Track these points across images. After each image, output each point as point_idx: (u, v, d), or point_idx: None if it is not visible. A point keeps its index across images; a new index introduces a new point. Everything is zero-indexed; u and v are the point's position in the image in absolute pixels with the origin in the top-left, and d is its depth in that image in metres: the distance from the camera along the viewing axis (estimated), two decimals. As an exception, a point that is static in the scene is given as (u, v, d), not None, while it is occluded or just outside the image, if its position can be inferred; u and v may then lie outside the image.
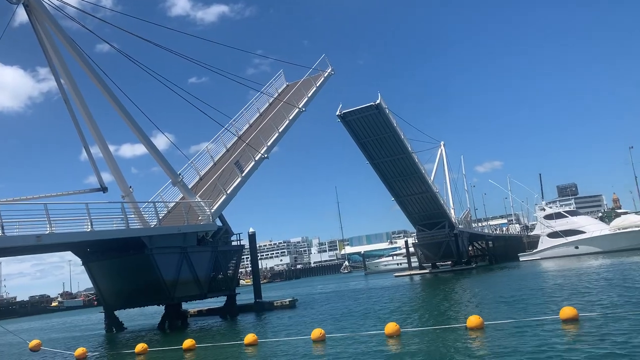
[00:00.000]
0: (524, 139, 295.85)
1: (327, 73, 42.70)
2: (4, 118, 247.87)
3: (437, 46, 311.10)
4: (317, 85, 41.35)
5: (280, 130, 36.23)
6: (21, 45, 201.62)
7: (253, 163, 33.54)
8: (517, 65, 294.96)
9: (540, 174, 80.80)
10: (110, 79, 27.50)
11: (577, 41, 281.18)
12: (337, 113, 48.00)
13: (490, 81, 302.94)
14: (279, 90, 41.56)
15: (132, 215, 26.89)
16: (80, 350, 18.98)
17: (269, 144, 34.99)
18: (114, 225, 25.10)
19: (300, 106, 38.69)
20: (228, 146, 36.28)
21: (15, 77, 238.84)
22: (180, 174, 30.16)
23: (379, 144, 49.92)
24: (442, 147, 70.70)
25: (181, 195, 30.55)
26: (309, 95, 40.12)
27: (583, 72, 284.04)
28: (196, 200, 29.88)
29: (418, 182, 53.21)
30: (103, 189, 29.29)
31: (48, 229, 21.28)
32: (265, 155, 34.39)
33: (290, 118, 37.49)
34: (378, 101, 45.99)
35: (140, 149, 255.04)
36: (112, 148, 28.35)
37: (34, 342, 22.69)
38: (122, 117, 27.64)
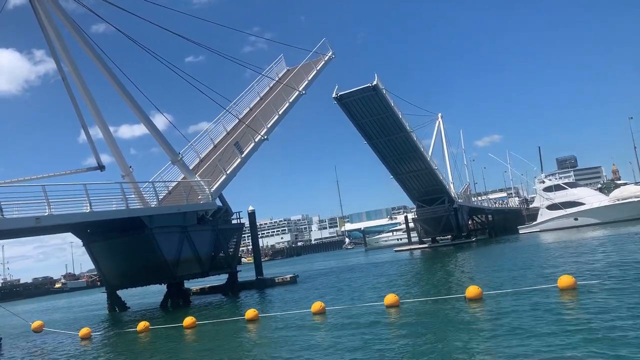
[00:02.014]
0: (523, 112, 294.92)
1: (327, 57, 42.32)
2: (1, 101, 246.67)
3: (438, 21, 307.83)
4: (318, 68, 41.03)
5: (280, 113, 36.15)
6: (17, 28, 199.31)
7: (253, 144, 33.57)
8: (516, 41, 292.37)
9: (539, 147, 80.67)
10: (110, 59, 27.44)
11: (577, 16, 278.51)
12: (334, 95, 47.26)
13: (490, 56, 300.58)
14: (280, 75, 41.24)
15: (132, 196, 26.94)
16: (84, 330, 19.13)
17: (268, 126, 34.91)
18: (114, 205, 25.14)
19: (300, 89, 38.49)
20: (228, 129, 36.23)
21: (11, 60, 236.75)
22: (180, 154, 30.10)
23: (377, 124, 49.47)
24: (440, 119, 69.83)
25: (181, 176, 30.57)
26: (309, 78, 39.88)
27: (582, 45, 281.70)
28: (196, 179, 29.87)
29: (417, 160, 53.03)
30: (100, 167, 29.34)
31: (47, 210, 21.29)
32: (265, 137, 34.34)
33: (291, 101, 37.34)
34: (375, 82, 45.29)
35: (139, 130, 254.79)
36: (110, 129, 28.37)
37: (36, 324, 22.79)
38: (121, 96, 27.67)
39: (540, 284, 15.47)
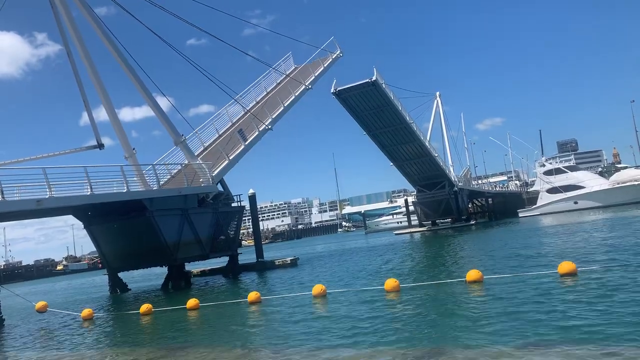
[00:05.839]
0: (524, 95, 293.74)
1: (335, 55, 42.18)
2: (1, 84, 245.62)
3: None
4: (325, 65, 41.06)
5: (285, 105, 36.31)
6: (18, 10, 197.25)
7: (257, 133, 33.68)
8: (517, 21, 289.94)
9: (540, 130, 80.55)
10: (117, 40, 27.58)
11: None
12: (332, 90, 46.57)
13: (491, 37, 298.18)
14: (287, 72, 41.06)
15: (134, 178, 26.97)
16: (86, 311, 19.25)
17: (273, 116, 35.02)
18: (115, 188, 25.13)
19: (307, 83, 38.52)
20: (234, 120, 36.32)
21: (12, 43, 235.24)
22: (182, 135, 30.06)
23: (376, 117, 49.22)
24: (438, 98, 69.17)
25: (184, 161, 30.55)
26: (316, 74, 39.95)
27: (584, 26, 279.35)
28: (198, 162, 29.87)
29: (417, 148, 52.99)
30: (100, 145, 29.37)
31: (48, 192, 21.30)
32: (269, 127, 34.43)
33: (297, 94, 37.46)
34: (374, 77, 44.75)
35: (140, 113, 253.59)
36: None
37: (40, 304, 22.99)
38: (129, 76, 28.05)
39: (541, 269, 15.50)
